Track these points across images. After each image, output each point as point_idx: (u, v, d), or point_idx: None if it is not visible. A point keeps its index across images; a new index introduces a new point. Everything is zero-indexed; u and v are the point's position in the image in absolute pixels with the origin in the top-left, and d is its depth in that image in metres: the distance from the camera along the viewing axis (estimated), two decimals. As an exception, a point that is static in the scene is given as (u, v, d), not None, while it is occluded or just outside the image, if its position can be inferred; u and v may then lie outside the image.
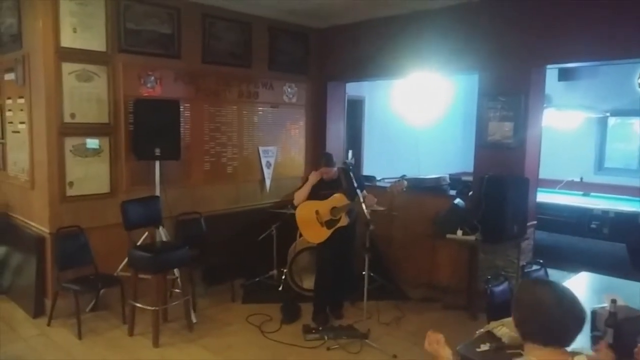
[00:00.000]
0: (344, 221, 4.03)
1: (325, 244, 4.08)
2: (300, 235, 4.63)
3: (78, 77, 4.08)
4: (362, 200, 3.81)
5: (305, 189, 4.13)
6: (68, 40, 4.01)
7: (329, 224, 4.04)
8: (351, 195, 3.92)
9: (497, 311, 2.70)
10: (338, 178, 4.06)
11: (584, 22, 3.98)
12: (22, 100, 4.32)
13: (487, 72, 4.56)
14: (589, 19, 3.94)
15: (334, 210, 4.02)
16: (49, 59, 3.94)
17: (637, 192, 6.23)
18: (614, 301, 2.25)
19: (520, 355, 1.58)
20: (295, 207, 4.24)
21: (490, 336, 2.37)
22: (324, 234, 4.04)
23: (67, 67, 4.02)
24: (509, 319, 2.39)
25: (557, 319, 1.46)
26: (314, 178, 4.11)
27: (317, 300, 4.23)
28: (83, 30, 4.08)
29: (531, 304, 1.52)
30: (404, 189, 3.99)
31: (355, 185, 3.90)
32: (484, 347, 2.26)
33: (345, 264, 4.25)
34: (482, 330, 2.44)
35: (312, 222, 4.09)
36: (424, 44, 4.93)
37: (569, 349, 1.56)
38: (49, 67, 3.94)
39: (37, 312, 4.17)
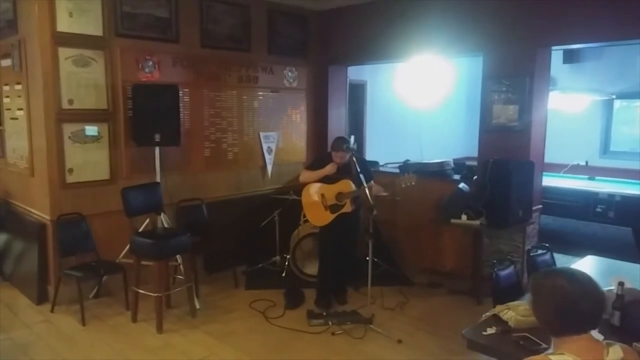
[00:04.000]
0: (348, 207, 3.99)
1: (328, 229, 4.06)
2: (306, 221, 4.61)
3: (75, 63, 4.02)
4: (365, 186, 3.77)
5: (316, 175, 4.06)
6: (64, 24, 3.94)
7: (332, 208, 4.01)
8: (358, 182, 3.87)
9: (503, 295, 2.70)
10: (348, 163, 4.00)
11: (590, 1, 3.88)
12: (19, 87, 4.27)
13: (491, 54, 4.47)
14: (596, -2, 3.85)
15: (339, 195, 3.99)
16: (45, 44, 3.88)
17: (643, 175, 6.18)
18: (621, 284, 2.22)
19: (546, 349, 1.52)
20: (300, 189, 4.20)
21: (496, 320, 2.36)
22: (327, 217, 4.02)
23: (64, 52, 3.96)
24: (515, 303, 2.39)
25: (578, 302, 1.42)
26: (331, 169, 4.00)
27: (320, 285, 4.23)
28: (79, 14, 4.01)
29: (551, 296, 1.47)
30: (413, 183, 3.92)
31: (358, 170, 3.86)
32: (490, 330, 2.25)
33: (349, 250, 4.23)
34: (488, 314, 2.43)
35: (316, 205, 4.06)
36: (427, 26, 4.83)
37: (604, 340, 1.52)
38: (46, 53, 3.88)
39: (40, 298, 4.17)
